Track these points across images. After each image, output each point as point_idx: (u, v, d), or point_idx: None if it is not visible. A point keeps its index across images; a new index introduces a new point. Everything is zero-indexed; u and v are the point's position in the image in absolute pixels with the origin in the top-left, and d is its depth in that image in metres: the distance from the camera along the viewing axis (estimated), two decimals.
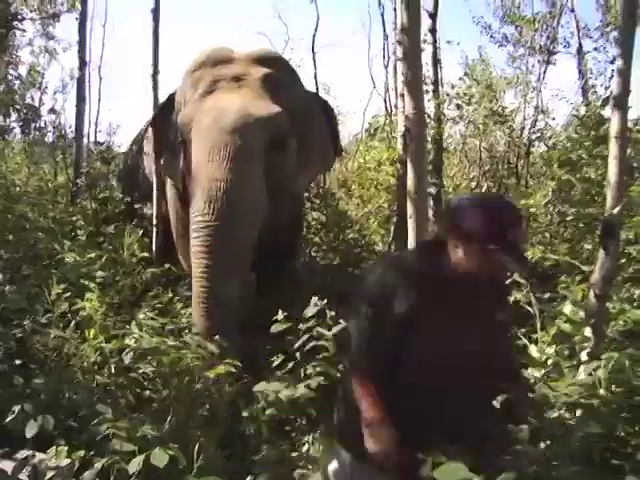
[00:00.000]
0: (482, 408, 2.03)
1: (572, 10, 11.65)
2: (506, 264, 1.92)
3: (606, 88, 9.07)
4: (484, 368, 1.99)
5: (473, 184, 7.67)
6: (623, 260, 4.33)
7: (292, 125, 4.31)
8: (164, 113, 4.90)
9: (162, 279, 5.28)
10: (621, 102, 3.58)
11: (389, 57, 13.54)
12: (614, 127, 3.53)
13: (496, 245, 1.90)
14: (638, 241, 4.50)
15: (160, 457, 2.21)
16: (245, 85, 4.11)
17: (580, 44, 11.45)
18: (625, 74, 3.64)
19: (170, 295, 4.78)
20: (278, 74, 4.38)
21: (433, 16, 5.69)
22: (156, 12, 5.86)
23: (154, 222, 5.66)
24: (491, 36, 11.56)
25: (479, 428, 2.00)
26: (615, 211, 3.36)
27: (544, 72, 10.41)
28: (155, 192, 5.57)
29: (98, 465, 2.35)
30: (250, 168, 3.85)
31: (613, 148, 3.50)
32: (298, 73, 5.02)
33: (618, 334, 3.46)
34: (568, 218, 5.07)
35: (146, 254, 5.53)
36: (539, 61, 10.48)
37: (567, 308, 3.35)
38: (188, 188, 4.16)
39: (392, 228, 7.22)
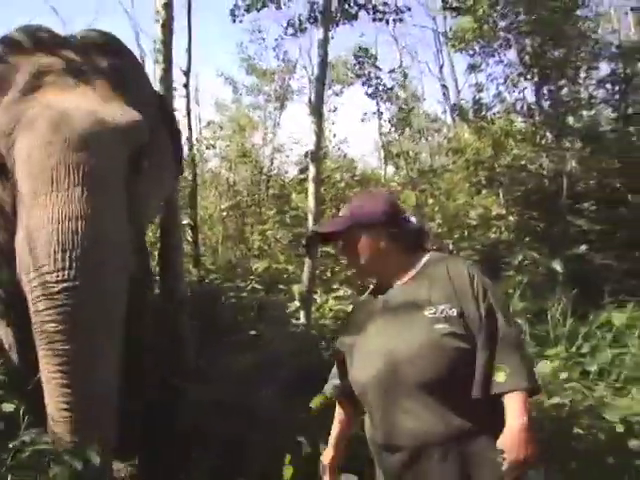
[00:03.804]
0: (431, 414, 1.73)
1: (304, 67, 13.95)
2: None
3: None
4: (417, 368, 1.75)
5: (224, 214, 9.05)
6: None
7: None
8: None
9: None
10: (316, 155, 5.27)
11: None
12: (311, 173, 5.20)
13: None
14: None
15: None
16: (86, 81, 2.92)
17: (310, 95, 13.83)
18: (318, 134, 5.36)
19: None
20: (126, 67, 3.26)
21: (187, 73, 6.74)
22: None
23: None
24: (234, 87, 13.59)
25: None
26: (314, 228, 4.97)
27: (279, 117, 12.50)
28: None
29: None
30: (112, 197, 2.64)
31: (311, 187, 5.15)
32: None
33: None
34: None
35: None
36: (275, 108, 12.68)
37: None
38: (8, 233, 2.76)
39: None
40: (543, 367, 3.11)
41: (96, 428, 2.41)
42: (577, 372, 3.28)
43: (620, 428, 2.62)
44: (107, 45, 3.27)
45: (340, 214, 2.09)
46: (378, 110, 11.00)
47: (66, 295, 2.38)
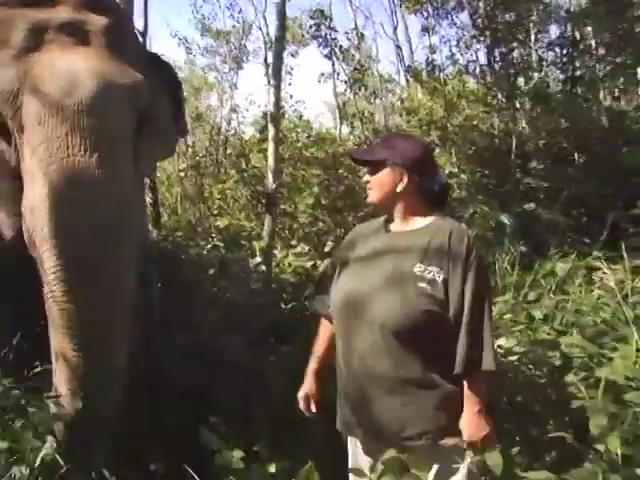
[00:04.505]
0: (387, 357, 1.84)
1: (260, 28, 13.79)
2: None
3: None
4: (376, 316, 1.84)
5: (182, 174, 9.07)
6: None
7: None
8: None
9: None
10: (275, 115, 5.34)
11: None
12: (271, 133, 5.28)
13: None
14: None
15: None
16: (84, 40, 2.75)
17: (266, 56, 13.70)
18: (277, 95, 5.43)
19: None
20: (120, 26, 3.05)
21: (143, 34, 6.66)
22: None
23: None
24: (188, 48, 13.35)
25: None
26: (273, 187, 5.09)
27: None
28: None
29: None
30: (126, 161, 2.55)
31: (270, 146, 5.24)
32: None
33: None
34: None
35: None
36: (231, 69, 12.59)
37: None
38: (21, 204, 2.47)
39: None
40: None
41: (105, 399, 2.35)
42: (523, 316, 3.53)
43: (559, 362, 2.89)
44: (98, 2, 3.01)
45: (377, 144, 2.18)
46: (334, 71, 11.08)
47: (85, 265, 2.24)
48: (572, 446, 2.34)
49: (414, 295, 1.82)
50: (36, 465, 2.17)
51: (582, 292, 4.18)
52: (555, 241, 5.52)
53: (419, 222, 1.95)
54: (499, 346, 3.08)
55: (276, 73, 5.48)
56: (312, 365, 2.16)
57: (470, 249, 1.84)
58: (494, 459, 1.77)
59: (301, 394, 2.13)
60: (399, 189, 1.94)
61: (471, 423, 1.80)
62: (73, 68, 2.52)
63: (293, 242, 6.61)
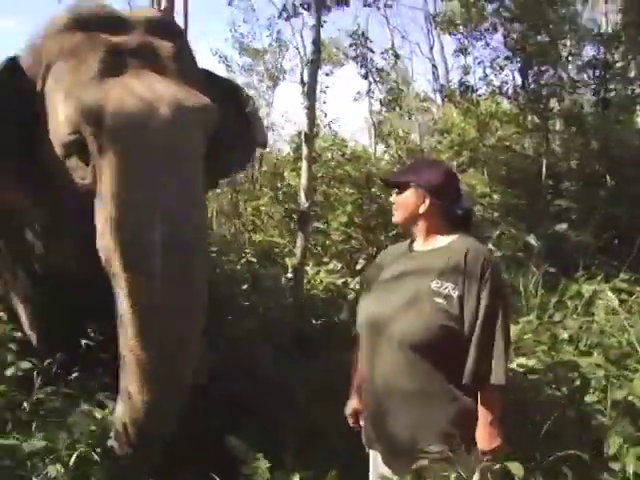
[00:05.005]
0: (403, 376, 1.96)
1: (297, 47, 14.08)
2: None
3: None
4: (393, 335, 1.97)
5: (218, 190, 9.27)
6: None
7: None
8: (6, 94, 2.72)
9: None
10: (309, 135, 5.51)
11: None
12: (304, 152, 5.45)
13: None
14: None
15: None
16: (158, 64, 2.79)
17: (302, 74, 13.98)
18: (311, 116, 5.60)
19: None
20: (187, 50, 3.13)
21: None
22: None
23: None
24: (228, 66, 13.74)
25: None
26: (306, 206, 5.25)
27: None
28: None
29: None
30: (200, 184, 2.63)
31: (304, 165, 5.41)
32: None
33: None
34: None
35: None
36: (267, 87, 12.93)
37: None
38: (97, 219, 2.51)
39: None
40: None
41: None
42: (546, 336, 3.59)
43: (577, 382, 2.96)
44: (166, 27, 3.09)
45: (406, 169, 2.39)
46: (370, 90, 11.24)
47: (164, 282, 2.28)
48: (587, 464, 2.44)
49: (431, 310, 1.93)
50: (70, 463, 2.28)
51: (607, 313, 4.22)
52: (584, 262, 5.55)
53: (440, 241, 2.07)
54: (520, 365, 3.16)
55: (310, 94, 5.67)
56: (356, 382, 2.26)
57: (485, 267, 1.93)
58: (515, 468, 1.83)
59: (349, 411, 2.26)
60: (421, 210, 2.07)
61: (484, 434, 1.90)
62: (151, 92, 2.57)
63: (325, 259, 6.73)
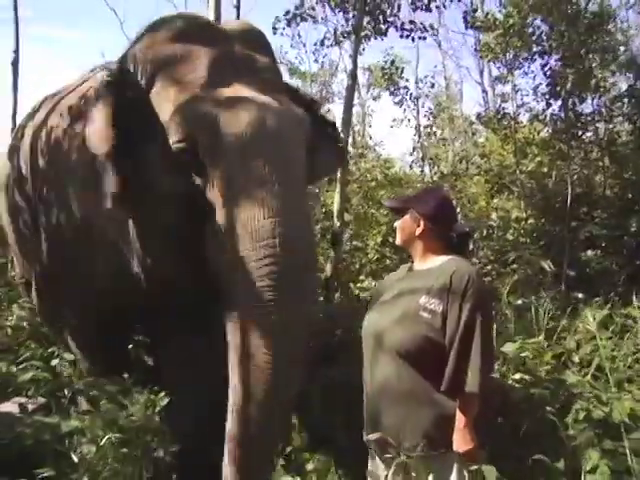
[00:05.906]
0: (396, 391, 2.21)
1: (345, 70, 14.48)
2: None
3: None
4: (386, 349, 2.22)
5: None
6: None
7: None
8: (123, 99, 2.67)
9: None
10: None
11: None
12: (339, 175, 5.79)
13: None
14: None
15: None
16: (257, 75, 2.80)
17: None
18: (346, 140, 5.95)
19: None
20: (273, 60, 3.12)
21: None
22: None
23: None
24: None
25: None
26: (338, 227, 5.60)
27: None
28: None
29: None
30: (305, 192, 2.65)
31: (337, 187, 5.76)
32: None
33: None
34: None
35: None
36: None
37: None
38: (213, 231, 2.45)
39: None
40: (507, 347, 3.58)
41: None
42: (548, 356, 3.73)
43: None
44: (259, 39, 3.09)
45: (408, 196, 2.63)
46: (405, 117, 11.57)
47: (276, 295, 2.22)
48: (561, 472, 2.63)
49: (417, 322, 2.16)
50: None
51: (618, 338, 4.34)
52: (614, 289, 5.67)
53: (435, 261, 2.29)
54: (515, 380, 3.36)
55: (346, 121, 6.01)
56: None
57: (468, 286, 2.12)
58: (489, 471, 2.03)
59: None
60: (417, 233, 2.32)
61: (458, 437, 2.10)
62: (258, 103, 2.56)
63: (362, 277, 7.00)
